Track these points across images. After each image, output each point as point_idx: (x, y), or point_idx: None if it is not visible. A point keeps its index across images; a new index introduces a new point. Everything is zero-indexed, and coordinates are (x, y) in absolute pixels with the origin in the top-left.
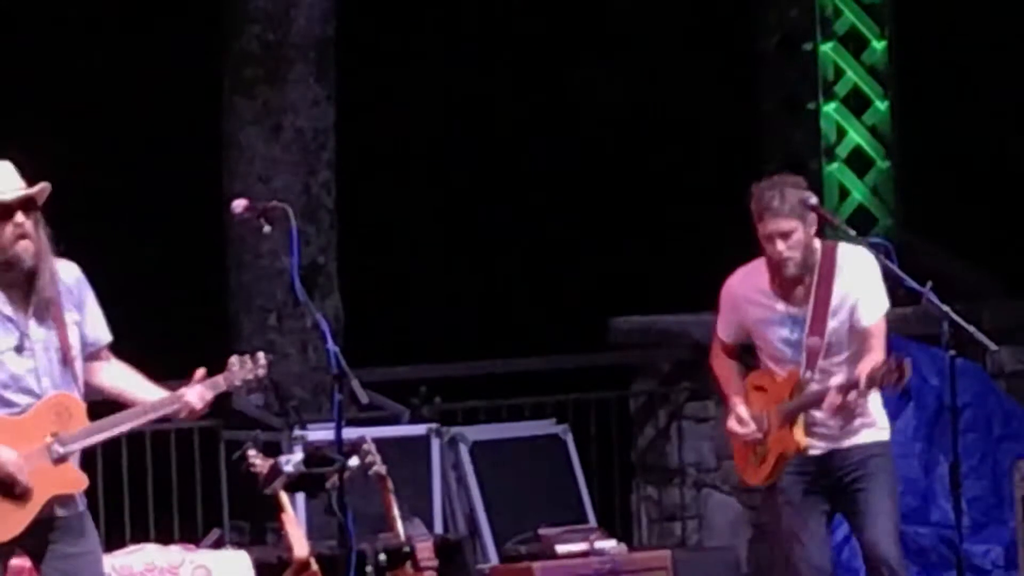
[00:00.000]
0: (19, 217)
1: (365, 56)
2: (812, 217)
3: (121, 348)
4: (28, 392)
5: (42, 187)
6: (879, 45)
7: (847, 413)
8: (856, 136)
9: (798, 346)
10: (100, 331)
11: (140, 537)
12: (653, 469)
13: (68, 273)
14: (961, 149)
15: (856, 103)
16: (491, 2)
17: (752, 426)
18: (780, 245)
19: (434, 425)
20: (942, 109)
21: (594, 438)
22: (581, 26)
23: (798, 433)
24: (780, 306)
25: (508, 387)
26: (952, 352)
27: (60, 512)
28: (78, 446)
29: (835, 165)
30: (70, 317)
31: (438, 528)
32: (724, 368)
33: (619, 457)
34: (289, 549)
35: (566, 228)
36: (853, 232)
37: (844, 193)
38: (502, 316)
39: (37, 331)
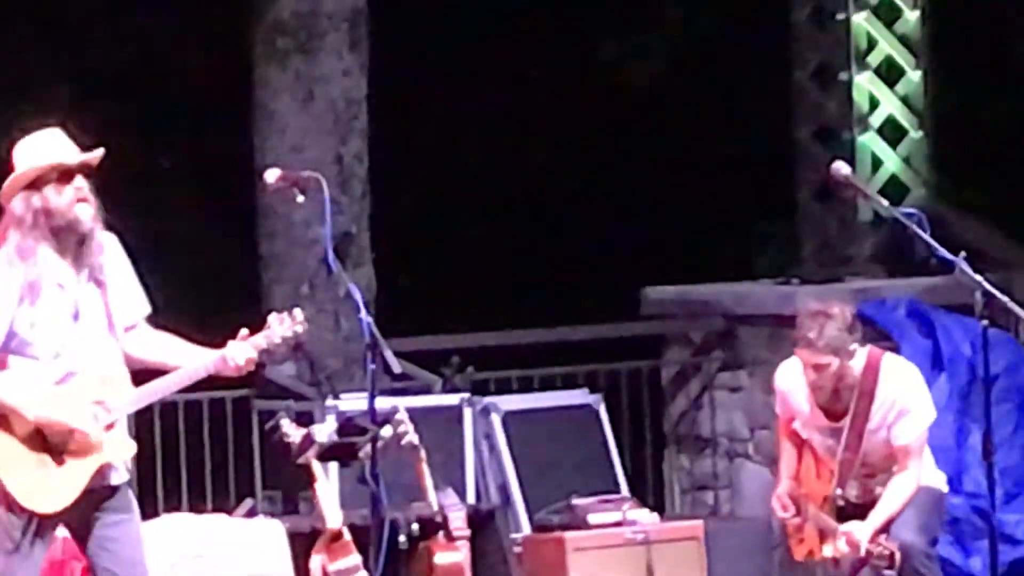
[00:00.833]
0: (79, 181)
1: (397, 26)
2: (852, 347)
3: (155, 319)
4: (78, 360)
5: (99, 152)
6: (912, 15)
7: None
8: (889, 106)
9: (833, 456)
10: (139, 302)
11: (173, 507)
12: (685, 439)
13: (109, 244)
14: (994, 119)
15: (889, 73)
16: None
17: (792, 511)
18: (811, 375)
19: (466, 395)
20: (975, 79)
21: (626, 408)
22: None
23: (827, 550)
24: (818, 417)
25: (541, 357)
26: (985, 322)
27: (111, 480)
28: (125, 412)
29: (868, 135)
30: (112, 285)
31: (470, 498)
32: (783, 444)
33: (651, 427)
34: (322, 519)
35: (599, 197)
36: (886, 203)
37: (877, 163)
38: (535, 286)
39: (87, 298)
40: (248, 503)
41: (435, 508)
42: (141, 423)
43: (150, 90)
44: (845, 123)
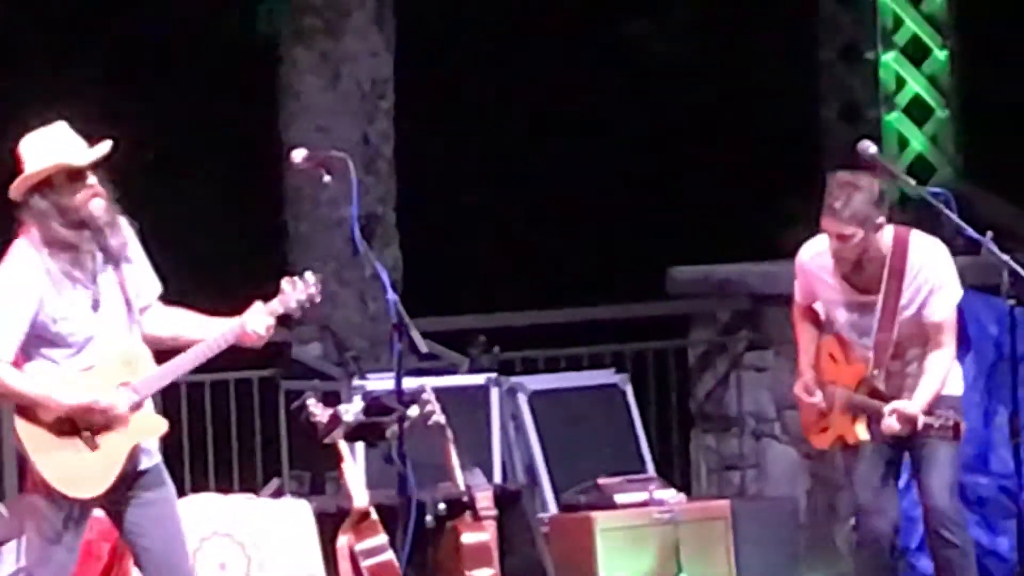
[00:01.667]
0: (91, 178)
1: (423, 5)
2: (878, 219)
3: (181, 299)
4: (101, 348)
5: (106, 146)
6: None
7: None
8: (915, 85)
9: (865, 333)
10: (152, 283)
11: (200, 487)
12: (712, 418)
13: (125, 229)
14: (1021, 98)
15: (915, 52)
16: None
17: (818, 396)
18: (835, 244)
19: (493, 375)
20: (1001, 58)
21: (653, 388)
22: None
23: (859, 429)
24: (845, 290)
25: (567, 337)
26: (1012, 301)
27: (144, 464)
28: (151, 390)
29: (894, 115)
30: (127, 269)
31: (497, 478)
32: (801, 332)
33: (678, 407)
34: (349, 499)
35: (625, 177)
36: (913, 182)
37: (903, 143)
38: (561, 266)
39: (105, 286)
40: (275, 483)
41: (462, 488)
42: (168, 403)
43: (177, 70)
44: (871, 102)
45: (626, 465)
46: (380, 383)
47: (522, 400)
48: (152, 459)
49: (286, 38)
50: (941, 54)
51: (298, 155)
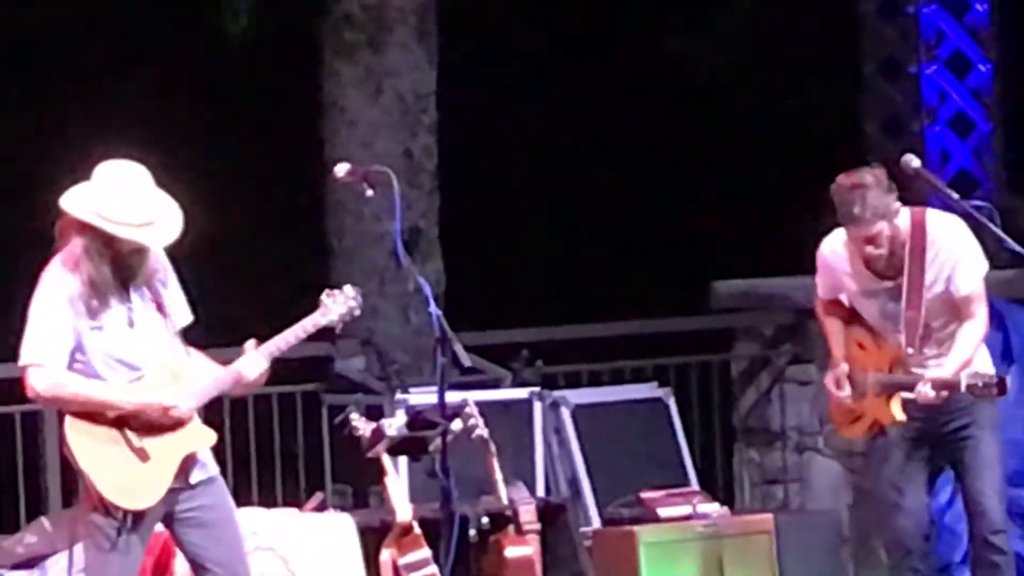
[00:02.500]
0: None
1: (466, 19)
2: (895, 206)
3: (224, 313)
4: (141, 362)
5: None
6: (981, 7)
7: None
8: (958, 99)
9: (893, 318)
10: (183, 312)
11: (243, 501)
12: (755, 432)
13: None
14: None
15: (958, 66)
16: None
17: (847, 390)
18: (866, 249)
19: (536, 389)
20: None
21: (696, 401)
22: None
23: (895, 408)
24: (873, 280)
25: (610, 351)
26: None
27: (196, 476)
28: (199, 402)
29: (937, 128)
30: (163, 291)
31: (540, 491)
32: (828, 325)
33: (721, 420)
34: (392, 512)
35: (668, 191)
36: (956, 195)
37: (946, 156)
38: (604, 279)
39: (141, 302)
40: (318, 497)
41: (505, 502)
42: (211, 417)
43: (221, 84)
44: (914, 116)
45: (669, 479)
46: (423, 397)
47: (565, 414)
48: (206, 471)
49: (329, 52)
50: (984, 67)
51: (341, 169)
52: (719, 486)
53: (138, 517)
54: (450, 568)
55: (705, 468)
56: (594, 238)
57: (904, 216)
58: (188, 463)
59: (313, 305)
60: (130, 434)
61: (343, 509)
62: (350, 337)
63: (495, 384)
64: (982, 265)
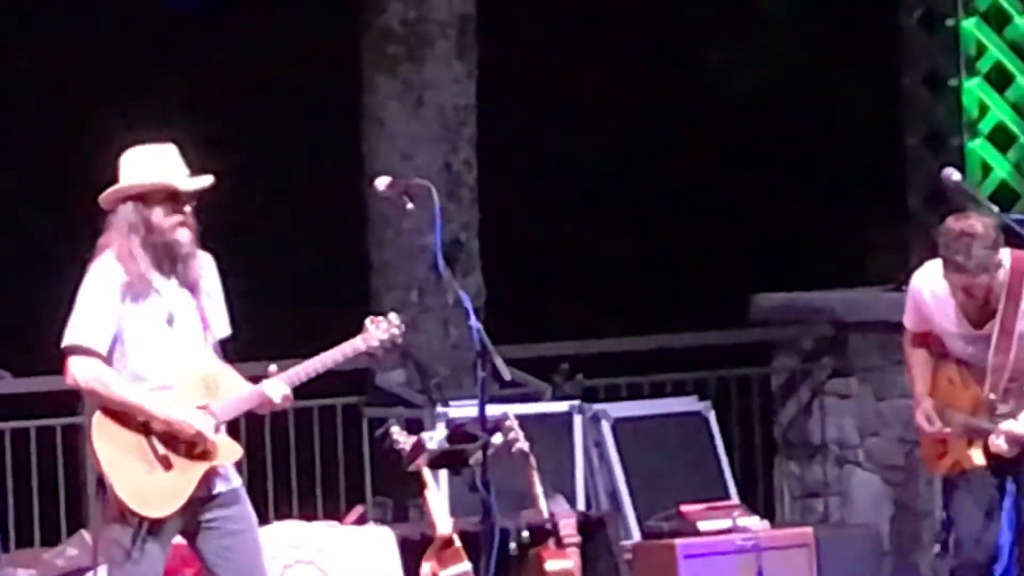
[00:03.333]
0: (186, 207)
1: (506, 33)
2: (998, 259)
3: (264, 326)
4: (179, 366)
5: (209, 180)
6: (1022, 21)
7: None
8: (998, 112)
9: (980, 362)
10: (223, 323)
11: (284, 514)
12: (795, 446)
13: (207, 264)
14: None
15: (999, 79)
16: None
17: (938, 424)
18: (962, 296)
19: (576, 402)
20: None
21: (736, 415)
22: (720, 5)
23: (976, 454)
24: (963, 324)
25: (650, 364)
26: None
27: (218, 488)
28: (229, 416)
29: (977, 141)
30: (205, 299)
31: (580, 505)
32: (914, 358)
33: (761, 434)
34: (432, 526)
35: (708, 203)
36: (996, 209)
37: (987, 170)
38: (644, 293)
39: (182, 305)
40: (359, 510)
41: (545, 515)
42: (252, 430)
43: (262, 98)
44: (955, 129)
45: (709, 492)
46: (463, 410)
47: (605, 427)
48: (228, 483)
49: (369, 66)
50: None
51: (381, 182)
52: (759, 499)
53: (155, 525)
54: None
55: (745, 481)
56: (634, 251)
57: (1005, 260)
58: (211, 475)
59: (352, 318)
60: (156, 441)
61: (383, 522)
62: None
63: (535, 397)
64: None
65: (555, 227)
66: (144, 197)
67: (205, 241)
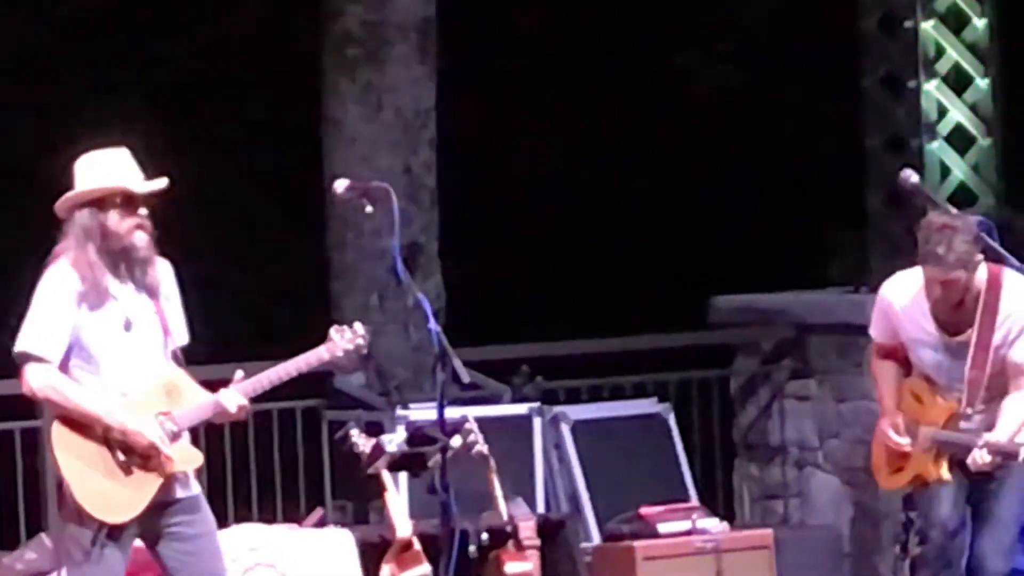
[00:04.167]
0: (142, 209)
1: (466, 35)
2: (978, 258)
3: (224, 330)
4: (139, 373)
5: (164, 182)
6: (980, 22)
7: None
8: (957, 114)
9: (948, 373)
10: (181, 331)
11: (243, 517)
12: (755, 448)
13: (164, 270)
14: None
15: (957, 81)
16: None
17: (906, 440)
18: (938, 291)
19: (536, 404)
20: None
21: (696, 417)
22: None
23: (942, 468)
24: (938, 333)
25: (610, 366)
26: None
27: (178, 494)
28: (189, 424)
29: (936, 143)
30: (164, 304)
31: (540, 507)
32: (881, 371)
33: (721, 436)
34: (392, 528)
35: (668, 206)
36: (955, 211)
37: (945, 171)
38: (604, 295)
39: (140, 310)
40: (318, 513)
41: (505, 518)
42: (211, 434)
43: (220, 101)
44: (914, 131)
45: (669, 494)
46: (423, 413)
47: (565, 430)
48: (188, 490)
49: (329, 68)
50: (983, 83)
51: (341, 185)
52: (719, 501)
53: (114, 531)
54: None
55: (705, 483)
56: (594, 253)
57: (982, 271)
58: (171, 481)
59: (313, 321)
60: (116, 448)
61: (343, 525)
62: None
63: (495, 400)
64: None
65: (515, 230)
66: (99, 202)
67: (163, 245)
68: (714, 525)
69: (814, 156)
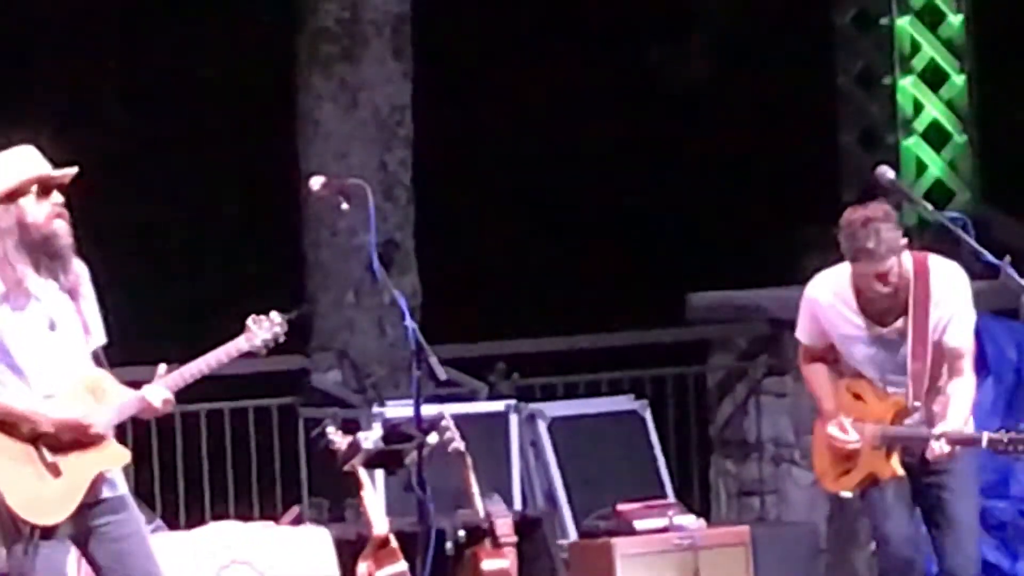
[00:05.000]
0: (56, 196)
1: (441, 32)
2: (903, 242)
3: (200, 328)
4: (60, 369)
5: (74, 170)
6: (956, 19)
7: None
8: (933, 110)
9: (881, 366)
10: (98, 330)
11: (220, 515)
12: (731, 444)
13: (81, 271)
14: None
15: (933, 77)
16: None
17: (854, 436)
18: (877, 285)
19: (512, 401)
20: (1019, 82)
21: (672, 413)
22: (658, 5)
23: (895, 462)
24: (867, 326)
25: (586, 363)
26: None
27: (105, 493)
28: (116, 422)
29: (912, 139)
30: (84, 306)
31: (517, 504)
32: (814, 375)
33: (697, 432)
34: (368, 526)
35: (644, 202)
36: (931, 207)
37: (921, 167)
38: (580, 292)
39: (63, 311)
40: (295, 510)
41: (481, 515)
42: (188, 431)
43: (194, 98)
44: (889, 127)
45: (645, 491)
46: (399, 410)
47: (541, 426)
48: (115, 490)
49: (303, 65)
50: (959, 79)
51: (316, 182)
52: (695, 498)
53: (46, 533)
54: None
55: (681, 480)
56: (570, 250)
57: (907, 259)
58: (98, 481)
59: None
60: (44, 449)
61: (319, 522)
62: (326, 350)
63: (471, 397)
64: (973, 318)
65: (491, 226)
66: (11, 196)
67: (134, 242)
68: (691, 522)
69: (789, 152)
